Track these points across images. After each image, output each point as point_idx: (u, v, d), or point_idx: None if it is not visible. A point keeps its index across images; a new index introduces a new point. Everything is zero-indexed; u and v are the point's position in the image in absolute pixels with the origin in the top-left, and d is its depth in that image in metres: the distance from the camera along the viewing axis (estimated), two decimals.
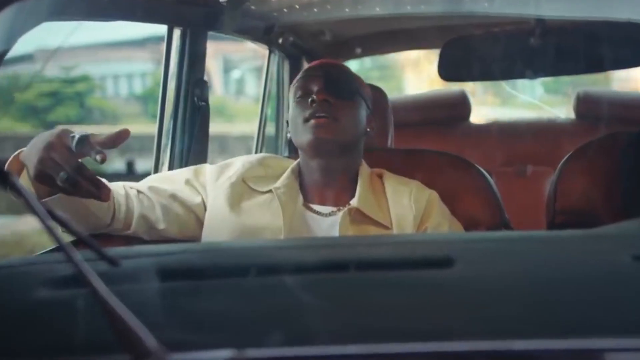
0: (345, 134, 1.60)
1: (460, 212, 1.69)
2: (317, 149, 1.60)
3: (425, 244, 0.95)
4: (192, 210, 1.63)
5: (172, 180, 1.65)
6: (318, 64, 1.73)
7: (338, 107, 1.60)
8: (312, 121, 1.58)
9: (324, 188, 1.64)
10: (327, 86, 1.62)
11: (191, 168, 1.71)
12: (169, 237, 1.62)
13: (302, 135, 1.60)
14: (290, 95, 1.69)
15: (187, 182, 1.65)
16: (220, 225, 1.60)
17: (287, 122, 1.70)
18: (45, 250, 1.42)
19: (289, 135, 1.69)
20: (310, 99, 1.59)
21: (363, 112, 1.67)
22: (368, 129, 1.68)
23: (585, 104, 3.01)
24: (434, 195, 1.64)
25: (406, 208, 1.61)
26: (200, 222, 1.63)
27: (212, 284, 0.80)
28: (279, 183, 1.64)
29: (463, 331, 0.68)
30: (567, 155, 1.80)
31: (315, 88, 1.62)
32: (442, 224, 1.61)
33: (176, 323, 0.72)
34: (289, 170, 1.67)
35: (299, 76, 1.70)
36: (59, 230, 0.73)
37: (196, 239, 1.63)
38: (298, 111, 1.62)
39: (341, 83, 1.65)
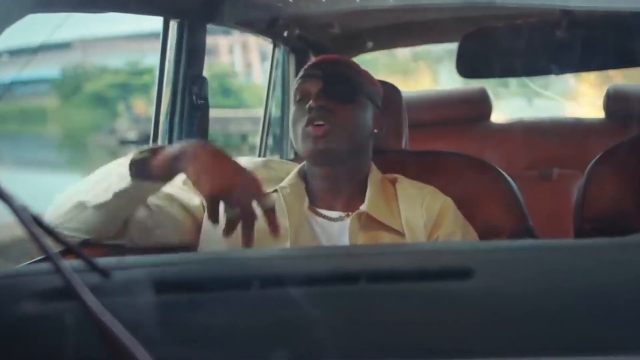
0: (346, 141, 1.61)
1: (480, 219, 1.68)
2: (318, 160, 1.63)
3: (443, 254, 0.95)
4: (190, 212, 1.62)
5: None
6: (318, 62, 1.73)
7: (337, 112, 1.60)
8: (310, 129, 1.59)
9: (331, 193, 1.65)
10: (325, 89, 1.62)
11: None
12: (163, 240, 1.61)
13: (302, 144, 1.62)
14: (292, 95, 1.69)
15: (185, 182, 1.64)
16: (221, 228, 1.60)
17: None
18: (31, 261, 1.42)
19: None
20: (307, 105, 1.60)
21: (367, 114, 1.66)
22: (375, 130, 1.68)
23: (616, 102, 2.99)
24: (448, 202, 1.64)
25: (417, 214, 1.61)
26: (198, 225, 1.62)
27: (211, 297, 0.80)
28: (284, 183, 1.65)
29: (484, 348, 0.68)
30: (597, 158, 1.79)
31: (313, 91, 1.62)
32: (455, 233, 1.61)
33: (173, 339, 0.72)
34: (294, 172, 1.68)
35: (298, 75, 1.70)
36: (45, 238, 0.73)
37: (193, 242, 1.62)
38: (297, 116, 1.64)
39: (341, 84, 1.64)
